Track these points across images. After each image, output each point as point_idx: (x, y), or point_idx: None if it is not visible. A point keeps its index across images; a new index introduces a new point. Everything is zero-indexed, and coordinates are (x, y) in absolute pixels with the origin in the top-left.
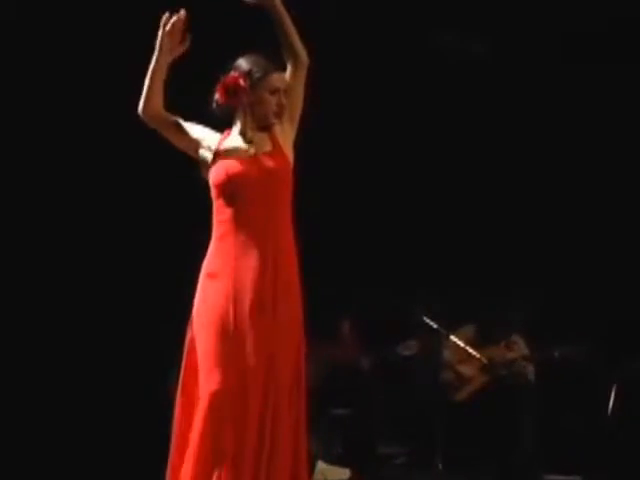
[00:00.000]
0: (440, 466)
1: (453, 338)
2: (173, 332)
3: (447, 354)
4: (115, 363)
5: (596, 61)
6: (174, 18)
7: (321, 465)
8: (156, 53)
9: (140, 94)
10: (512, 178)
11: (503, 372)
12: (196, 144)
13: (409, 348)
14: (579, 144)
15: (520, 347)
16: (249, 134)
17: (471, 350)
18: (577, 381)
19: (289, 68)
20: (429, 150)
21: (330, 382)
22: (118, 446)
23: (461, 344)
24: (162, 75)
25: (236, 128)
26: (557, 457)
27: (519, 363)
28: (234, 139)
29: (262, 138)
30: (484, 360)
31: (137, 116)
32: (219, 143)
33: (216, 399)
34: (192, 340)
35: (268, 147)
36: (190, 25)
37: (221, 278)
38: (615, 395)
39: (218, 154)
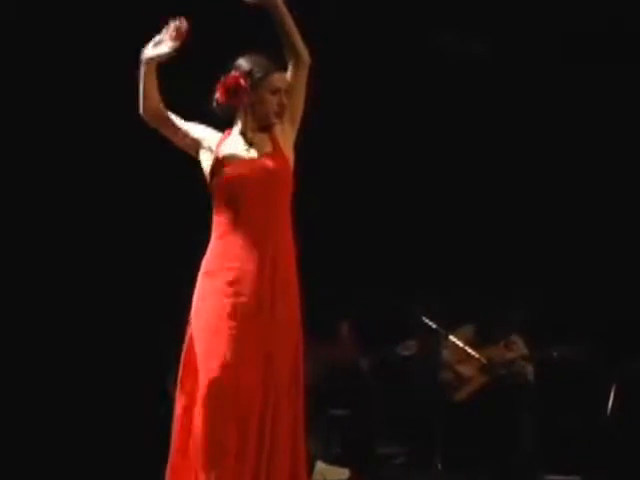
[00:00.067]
0: (439, 466)
1: (452, 338)
2: (173, 332)
3: (446, 354)
4: (115, 363)
5: (596, 61)
6: (181, 25)
7: (320, 465)
8: (148, 54)
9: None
10: (512, 178)
11: (502, 372)
12: (197, 144)
13: (408, 348)
14: (579, 144)
15: (519, 347)
16: (249, 135)
17: (470, 350)
18: (576, 381)
19: (290, 68)
20: (429, 150)
21: (329, 382)
22: (118, 445)
23: (460, 344)
24: (153, 75)
25: (237, 128)
26: (556, 457)
27: (518, 363)
28: (234, 140)
29: (262, 139)
30: (483, 360)
31: (137, 115)
32: (219, 143)
33: (215, 398)
34: (191, 338)
35: (268, 148)
36: (190, 27)
37: (219, 277)
38: (614, 395)
39: (218, 155)
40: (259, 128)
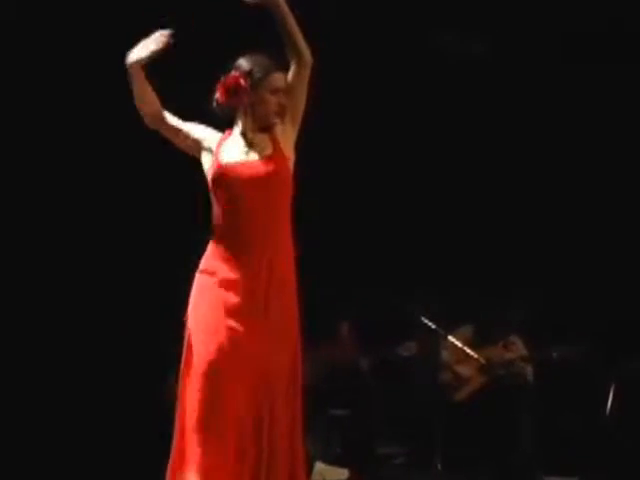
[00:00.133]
0: (439, 466)
1: (451, 338)
2: (172, 331)
3: (445, 354)
4: (114, 363)
5: (596, 61)
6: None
7: (320, 465)
8: (129, 59)
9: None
10: (511, 178)
11: (501, 372)
12: (197, 144)
13: (408, 349)
14: (579, 144)
15: (518, 348)
16: (249, 135)
17: (469, 350)
18: (575, 381)
19: (292, 67)
20: (429, 150)
21: (329, 382)
22: (117, 445)
23: (459, 344)
24: (141, 78)
25: (237, 129)
26: (555, 458)
27: (517, 364)
28: (235, 140)
29: (263, 140)
30: (482, 360)
31: (138, 116)
32: (219, 144)
33: (210, 397)
34: (190, 337)
35: (269, 150)
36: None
37: (216, 275)
38: (613, 395)
39: (218, 156)
40: (259, 128)
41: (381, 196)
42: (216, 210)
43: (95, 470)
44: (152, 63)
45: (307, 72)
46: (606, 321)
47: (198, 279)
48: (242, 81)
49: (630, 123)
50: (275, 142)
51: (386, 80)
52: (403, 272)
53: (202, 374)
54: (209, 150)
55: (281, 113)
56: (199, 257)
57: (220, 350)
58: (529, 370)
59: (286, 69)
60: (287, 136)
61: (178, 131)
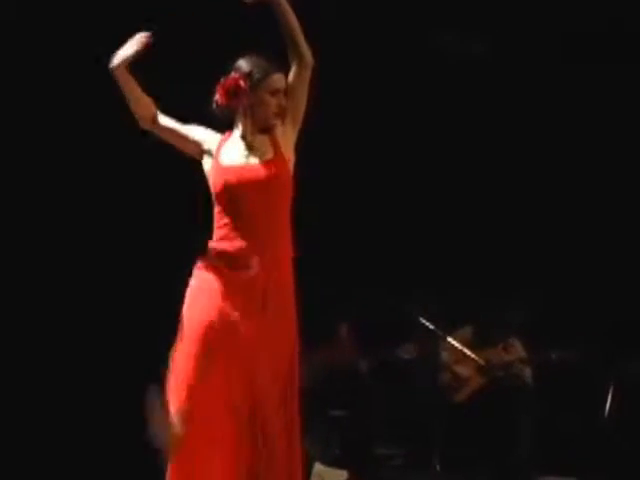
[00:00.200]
0: (437, 467)
1: (450, 340)
2: (172, 331)
3: (444, 355)
4: (114, 363)
5: (596, 61)
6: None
7: (318, 467)
8: (115, 61)
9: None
10: (511, 178)
11: (500, 374)
12: (196, 146)
13: (408, 351)
14: (579, 144)
15: (517, 349)
16: (249, 138)
17: (468, 352)
18: (574, 383)
19: (293, 68)
20: (429, 150)
21: (328, 383)
22: (117, 445)
23: (458, 346)
24: (128, 82)
25: (237, 131)
26: (554, 458)
27: (516, 365)
28: (234, 143)
29: (263, 142)
30: (481, 362)
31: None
32: (219, 146)
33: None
34: (184, 320)
35: (269, 153)
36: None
37: (215, 273)
38: (612, 396)
39: (218, 158)
40: (259, 130)
41: (380, 196)
42: (216, 212)
43: (93, 469)
44: (137, 65)
45: (308, 73)
46: (605, 322)
47: (196, 274)
48: (242, 82)
49: (630, 123)
50: (276, 145)
51: (386, 80)
52: (402, 273)
53: (196, 343)
54: (209, 152)
55: (281, 114)
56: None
57: (214, 331)
58: (528, 372)
59: (286, 70)
60: (287, 137)
61: (177, 133)
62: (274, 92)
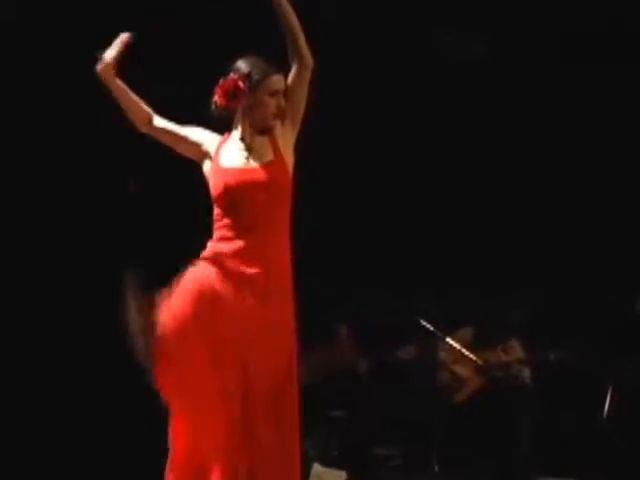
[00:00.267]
0: (436, 467)
1: (449, 341)
2: None
3: (443, 354)
4: (113, 363)
5: (596, 61)
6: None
7: (317, 467)
8: (99, 65)
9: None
10: (512, 178)
11: (498, 374)
12: (195, 148)
13: (408, 352)
14: (579, 144)
15: (516, 351)
16: (248, 140)
17: (466, 352)
18: (573, 383)
19: (293, 69)
20: (429, 150)
21: (327, 384)
22: (116, 444)
23: (457, 346)
24: (117, 86)
25: (236, 132)
26: (553, 459)
27: (515, 366)
28: (234, 145)
29: (262, 144)
30: (479, 362)
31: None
32: (218, 148)
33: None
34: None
35: (269, 155)
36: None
37: (213, 269)
38: (611, 397)
39: (218, 161)
40: (258, 131)
41: (380, 196)
42: (216, 215)
43: (94, 469)
44: (135, 65)
45: (308, 74)
46: (604, 322)
47: (197, 263)
48: (241, 84)
49: (630, 123)
50: (275, 146)
51: (386, 80)
52: (402, 274)
53: (188, 304)
54: (208, 153)
55: (280, 115)
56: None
57: (207, 302)
58: (526, 372)
59: (285, 72)
60: (287, 138)
61: (175, 135)
62: (273, 93)
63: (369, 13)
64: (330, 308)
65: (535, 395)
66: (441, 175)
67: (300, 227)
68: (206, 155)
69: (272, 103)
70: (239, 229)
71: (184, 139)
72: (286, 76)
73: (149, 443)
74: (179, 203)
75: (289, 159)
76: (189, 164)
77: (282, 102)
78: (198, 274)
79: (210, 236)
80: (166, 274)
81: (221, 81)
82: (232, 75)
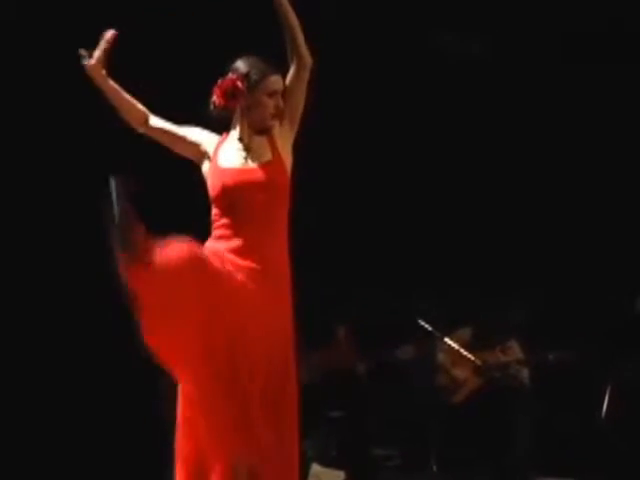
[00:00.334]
0: (435, 468)
1: (447, 341)
2: None
3: (441, 357)
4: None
5: (596, 61)
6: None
7: (316, 468)
8: (89, 70)
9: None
10: (512, 178)
11: (497, 375)
12: (194, 148)
13: (406, 353)
14: (579, 144)
15: (515, 351)
16: (247, 140)
17: (465, 352)
18: (571, 383)
19: (292, 69)
20: (429, 150)
21: (326, 385)
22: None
23: (455, 346)
24: (110, 87)
25: (234, 132)
26: (551, 459)
27: (513, 366)
28: (232, 145)
29: (261, 144)
30: (478, 362)
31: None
32: (217, 148)
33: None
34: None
35: (267, 156)
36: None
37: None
38: (609, 397)
39: (216, 161)
40: (256, 132)
41: (379, 196)
42: (214, 214)
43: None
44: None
45: (307, 74)
46: (602, 322)
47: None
48: (239, 84)
49: (630, 123)
50: (274, 146)
51: (386, 81)
52: (402, 274)
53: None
54: (207, 153)
55: (278, 116)
56: None
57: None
58: (525, 372)
59: (284, 72)
60: (285, 137)
61: (172, 135)
62: (272, 93)
63: (369, 13)
64: (329, 308)
65: (533, 395)
66: (441, 175)
67: (299, 227)
68: (204, 155)
69: (270, 103)
70: (237, 229)
71: (182, 139)
72: (285, 76)
73: (149, 443)
74: (177, 203)
75: (287, 159)
76: (187, 164)
77: (280, 102)
78: (199, 248)
79: (208, 236)
80: None
81: (219, 81)
82: (231, 75)
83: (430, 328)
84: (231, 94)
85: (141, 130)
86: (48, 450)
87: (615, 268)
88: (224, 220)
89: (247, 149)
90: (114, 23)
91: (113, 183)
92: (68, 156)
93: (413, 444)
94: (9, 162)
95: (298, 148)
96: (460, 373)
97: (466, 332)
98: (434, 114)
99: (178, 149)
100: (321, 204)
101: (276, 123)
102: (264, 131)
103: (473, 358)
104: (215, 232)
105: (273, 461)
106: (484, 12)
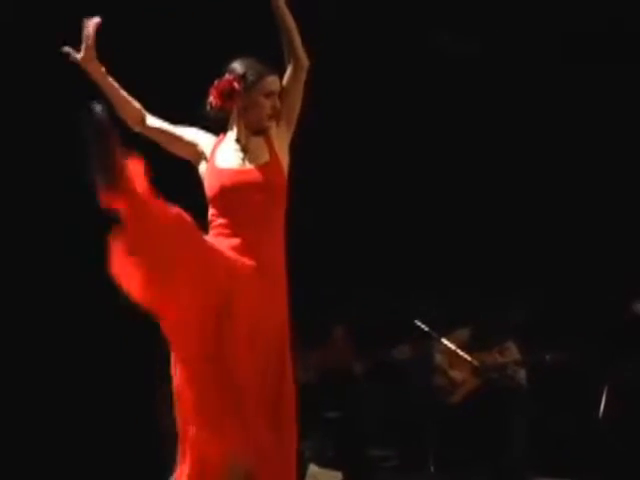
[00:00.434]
0: (432, 468)
1: (445, 341)
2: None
3: (439, 358)
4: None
5: (596, 61)
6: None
7: (313, 468)
8: (83, 63)
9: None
10: (512, 178)
11: (494, 375)
12: (191, 148)
13: (402, 353)
14: (579, 144)
15: (512, 352)
16: (244, 141)
17: (462, 353)
18: (568, 384)
19: (289, 70)
20: (428, 150)
21: (323, 386)
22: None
23: (452, 347)
24: (107, 83)
25: (231, 133)
26: (548, 460)
27: (510, 367)
28: (229, 145)
29: (258, 145)
30: (475, 363)
31: None
32: (214, 148)
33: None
34: None
35: (264, 157)
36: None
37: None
38: (606, 397)
39: (213, 160)
40: (253, 132)
41: (378, 196)
42: (210, 214)
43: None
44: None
45: (303, 75)
46: (600, 323)
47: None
48: (236, 84)
49: (630, 123)
50: (271, 147)
51: (385, 80)
52: (401, 274)
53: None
54: (203, 154)
55: (275, 116)
56: None
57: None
58: (522, 373)
59: (281, 72)
60: (282, 138)
61: (169, 135)
62: (268, 94)
63: (368, 13)
64: (327, 309)
65: (530, 396)
66: (441, 175)
67: (298, 228)
68: (201, 155)
69: (267, 104)
70: (235, 229)
71: (179, 139)
72: (281, 77)
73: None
74: (175, 203)
75: (284, 159)
76: (183, 164)
77: (277, 103)
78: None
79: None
80: None
81: (216, 82)
82: (227, 76)
83: (426, 328)
84: (228, 95)
85: (137, 129)
86: (48, 450)
87: (615, 269)
88: (221, 220)
89: (244, 150)
90: (114, 23)
91: (95, 109)
92: (64, 155)
93: (410, 444)
94: (9, 162)
95: (298, 148)
96: (458, 374)
97: (464, 333)
98: (433, 114)
99: (174, 149)
100: (320, 204)
101: (273, 124)
102: (261, 132)
103: (470, 359)
104: (212, 232)
105: (271, 462)
106: (484, 12)
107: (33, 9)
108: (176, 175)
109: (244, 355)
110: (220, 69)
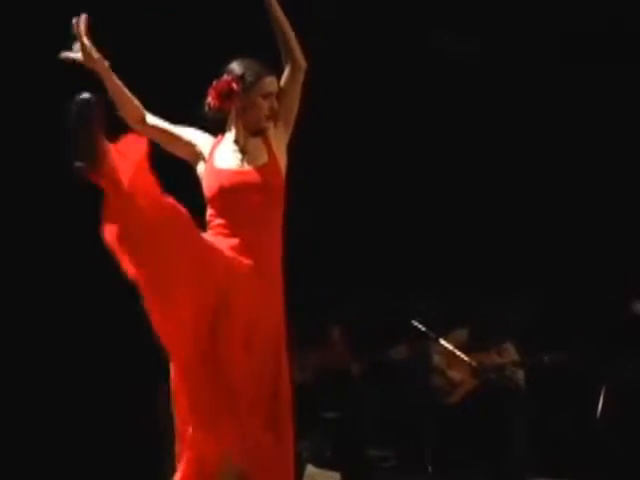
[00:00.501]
0: (430, 469)
1: (443, 342)
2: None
3: (437, 359)
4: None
5: (596, 61)
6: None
7: (311, 469)
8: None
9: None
10: (512, 178)
11: (492, 376)
12: (189, 148)
13: (399, 353)
14: (579, 144)
15: (510, 353)
16: (242, 141)
17: (460, 354)
18: (567, 384)
19: (286, 70)
20: (428, 150)
21: (320, 386)
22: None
23: (450, 347)
24: (112, 82)
25: (230, 134)
26: (547, 460)
27: (509, 368)
28: (228, 146)
29: (256, 146)
30: (473, 363)
31: None
32: (212, 149)
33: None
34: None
35: (263, 158)
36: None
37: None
38: (604, 398)
39: (212, 161)
40: (251, 133)
41: (377, 196)
42: (208, 215)
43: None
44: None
45: (301, 76)
46: (599, 323)
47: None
48: (234, 85)
49: (630, 123)
50: (269, 148)
51: (384, 80)
52: (400, 274)
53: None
54: (202, 154)
55: (273, 117)
56: None
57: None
58: (520, 374)
59: (279, 73)
60: (280, 139)
61: (168, 135)
62: (266, 95)
63: (367, 13)
64: (325, 308)
65: (529, 396)
66: (440, 175)
67: (296, 228)
68: (199, 156)
69: (265, 105)
70: (233, 229)
71: (177, 138)
72: (279, 77)
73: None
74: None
75: (282, 160)
76: (181, 164)
77: (275, 104)
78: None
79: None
80: None
81: (215, 82)
82: (226, 77)
83: (424, 329)
84: (226, 95)
85: (137, 127)
86: (48, 450)
87: (614, 269)
88: (219, 220)
89: (243, 151)
90: (113, 23)
91: (82, 95)
92: (63, 155)
93: (408, 445)
94: (9, 162)
95: (298, 148)
96: (456, 374)
97: (462, 333)
98: (433, 114)
99: (173, 148)
100: (318, 204)
101: (271, 124)
102: (259, 132)
103: (469, 359)
104: (210, 232)
105: (268, 462)
106: (483, 12)
107: (33, 9)
108: (176, 175)
109: (240, 355)
110: (219, 69)
